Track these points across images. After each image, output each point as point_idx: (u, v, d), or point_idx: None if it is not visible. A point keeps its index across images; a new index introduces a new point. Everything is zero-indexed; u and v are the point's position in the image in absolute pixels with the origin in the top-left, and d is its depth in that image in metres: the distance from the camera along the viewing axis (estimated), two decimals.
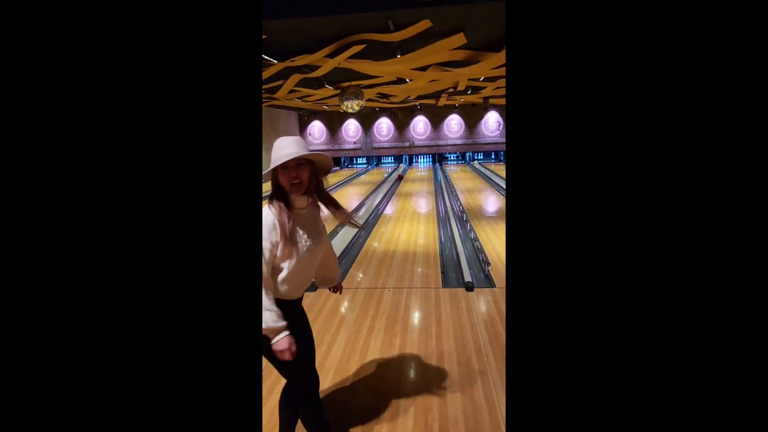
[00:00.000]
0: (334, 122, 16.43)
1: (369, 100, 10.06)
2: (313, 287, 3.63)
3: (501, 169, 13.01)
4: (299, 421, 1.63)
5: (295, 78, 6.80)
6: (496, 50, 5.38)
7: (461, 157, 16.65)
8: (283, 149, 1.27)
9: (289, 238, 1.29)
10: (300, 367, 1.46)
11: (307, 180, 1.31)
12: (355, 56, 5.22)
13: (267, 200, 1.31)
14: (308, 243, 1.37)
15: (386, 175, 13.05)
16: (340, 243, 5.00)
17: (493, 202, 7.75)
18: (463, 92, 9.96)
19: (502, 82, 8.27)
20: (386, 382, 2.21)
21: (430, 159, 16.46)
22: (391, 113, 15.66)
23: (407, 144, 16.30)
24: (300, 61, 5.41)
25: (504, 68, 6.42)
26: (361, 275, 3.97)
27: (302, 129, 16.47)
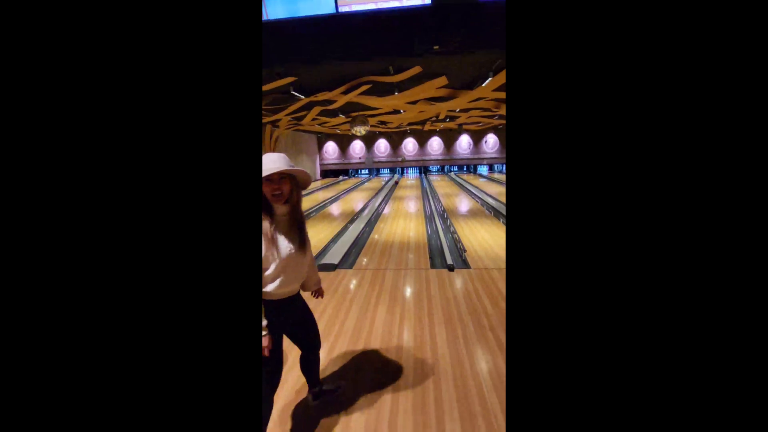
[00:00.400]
0: (344, 143, 16.36)
1: (372, 125, 10.05)
2: (332, 267, 3.66)
3: (472, 178, 13.02)
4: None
5: (317, 109, 6.79)
6: (469, 89, 5.40)
7: (441, 170, 16.61)
8: (267, 163, 1.15)
9: (271, 241, 1.17)
10: (268, 364, 1.28)
11: (288, 192, 1.19)
12: (363, 93, 5.22)
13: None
14: (289, 246, 1.22)
15: (384, 183, 13.00)
16: (350, 236, 5.00)
17: (465, 204, 7.72)
18: (443, 120, 9.98)
19: (474, 112, 8.29)
20: (391, 342, 2.23)
21: (418, 170, 16.43)
22: (388, 136, 15.67)
23: (400, 159, 16.27)
24: (321, 96, 5.41)
25: (475, 102, 6.44)
26: (366, 260, 3.96)
27: (320, 147, 16.38)
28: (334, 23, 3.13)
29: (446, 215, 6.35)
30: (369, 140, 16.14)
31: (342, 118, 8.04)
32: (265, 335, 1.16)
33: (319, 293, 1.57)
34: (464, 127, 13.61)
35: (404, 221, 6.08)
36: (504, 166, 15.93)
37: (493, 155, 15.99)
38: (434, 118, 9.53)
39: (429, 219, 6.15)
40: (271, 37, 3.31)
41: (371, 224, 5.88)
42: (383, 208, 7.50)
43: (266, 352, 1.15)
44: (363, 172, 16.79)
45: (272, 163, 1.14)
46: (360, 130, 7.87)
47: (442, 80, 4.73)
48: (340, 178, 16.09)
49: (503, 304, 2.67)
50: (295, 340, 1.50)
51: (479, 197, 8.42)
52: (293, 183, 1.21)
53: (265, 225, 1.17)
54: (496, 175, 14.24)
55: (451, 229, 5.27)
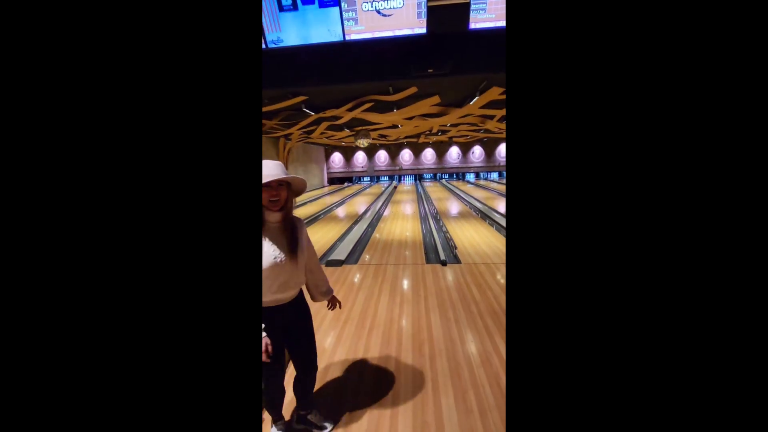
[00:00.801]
0: (348, 153, 16.40)
1: (373, 138, 10.09)
2: (339, 263, 3.69)
3: (461, 185, 13.04)
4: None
5: (325, 124, 6.83)
6: (459, 106, 5.45)
7: (434, 177, 16.65)
8: (266, 171, 1.04)
9: (269, 250, 1.06)
10: (267, 374, 1.18)
11: (284, 199, 1.08)
12: (366, 110, 5.27)
13: None
14: (277, 253, 1.07)
15: (384, 189, 13.03)
16: (354, 236, 5.02)
17: (455, 207, 7.75)
18: (435, 134, 10.03)
19: (463, 126, 8.34)
20: (392, 325, 2.26)
21: (413, 178, 16.47)
22: (387, 147, 15.75)
23: (397, 167, 16.32)
24: (329, 113, 5.45)
25: (464, 118, 6.49)
26: (368, 257, 3.99)
27: (327, 157, 16.42)
28: (341, 49, 3.18)
29: (439, 217, 6.38)
30: (370, 151, 16.20)
31: (347, 132, 8.08)
32: (263, 336, 1.03)
33: (333, 303, 1.36)
34: (454, 139, 13.67)
35: (402, 222, 6.11)
36: (489, 174, 15.99)
37: (479, 164, 16.05)
38: (428, 132, 9.57)
39: (424, 220, 6.18)
40: (286, 61, 3.37)
41: (373, 225, 5.90)
42: (383, 211, 7.52)
43: (265, 357, 1.02)
44: (365, 179, 16.83)
45: (271, 170, 1.04)
46: (363, 142, 7.91)
47: (435, 99, 4.79)
48: (345, 184, 16.10)
49: (490, 294, 2.71)
50: (291, 355, 1.30)
51: (467, 201, 8.45)
52: (289, 190, 1.10)
53: (267, 227, 1.07)
54: (481, 182, 14.27)
55: (443, 228, 5.29)
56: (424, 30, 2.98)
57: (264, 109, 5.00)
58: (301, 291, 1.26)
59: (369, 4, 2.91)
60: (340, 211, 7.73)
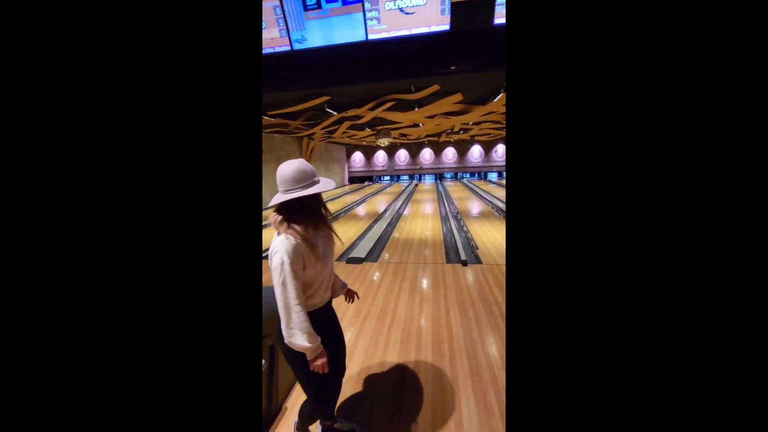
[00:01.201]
0: (369, 152, 16.51)
1: (394, 138, 10.10)
2: (359, 261, 3.73)
3: (482, 184, 12.77)
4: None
5: (347, 124, 6.92)
6: (482, 104, 5.34)
7: (454, 176, 16.43)
8: (313, 175, 0.94)
9: (319, 256, 0.96)
10: (325, 378, 1.08)
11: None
12: (387, 109, 5.29)
13: (281, 226, 0.93)
14: (328, 254, 1.03)
15: (404, 188, 13.01)
16: (374, 234, 5.05)
17: (477, 206, 7.60)
18: (457, 132, 9.88)
19: (486, 124, 8.17)
20: (412, 323, 2.26)
21: (434, 177, 16.33)
22: (407, 146, 15.72)
23: (417, 167, 16.24)
24: (351, 113, 5.52)
25: (487, 115, 6.35)
26: (388, 255, 4.00)
27: (348, 157, 16.62)
28: (364, 49, 3.21)
29: (460, 216, 6.28)
30: (391, 150, 16.22)
31: (368, 131, 8.14)
32: (321, 350, 0.97)
33: (350, 296, 1.31)
34: (476, 138, 13.42)
35: (422, 221, 6.07)
36: None
37: (502, 163, 15.63)
38: (449, 131, 9.45)
39: (444, 219, 6.10)
40: (310, 62, 3.44)
41: (393, 224, 5.90)
42: (403, 210, 7.51)
43: (325, 368, 0.97)
44: (385, 178, 16.87)
45: (319, 177, 0.97)
46: (384, 141, 7.94)
47: (458, 96, 4.72)
48: (366, 183, 16.22)
49: None
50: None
51: (489, 201, 8.26)
52: None
53: (314, 240, 0.96)
54: (504, 182, 13.91)
55: (465, 228, 5.21)
56: (447, 27, 2.95)
57: (289, 109, 5.13)
58: None
59: (392, 2, 2.91)
60: (361, 210, 7.80)
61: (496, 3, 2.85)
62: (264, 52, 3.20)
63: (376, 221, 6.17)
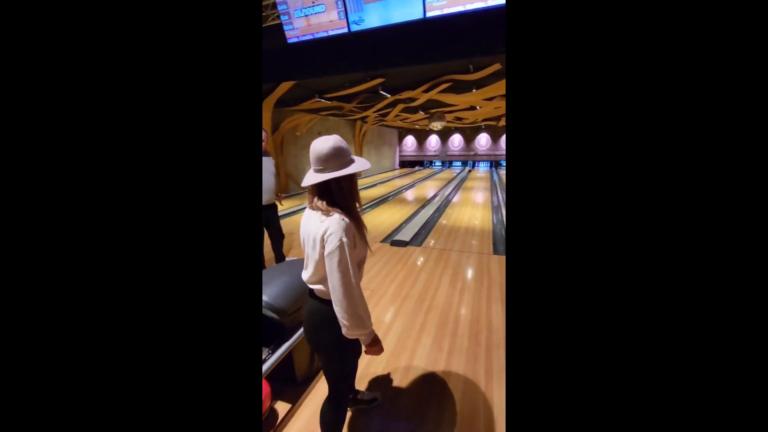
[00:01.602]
0: (421, 136, 16.22)
1: (448, 121, 9.75)
2: (403, 244, 3.78)
3: None
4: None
5: (400, 106, 6.86)
6: None
7: None
8: (350, 152, 0.89)
9: (364, 235, 0.92)
10: (356, 359, 1.06)
11: None
12: (442, 91, 5.11)
13: (331, 208, 0.86)
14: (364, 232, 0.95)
15: (455, 174, 12.61)
16: (420, 219, 5.04)
17: None
18: None
19: None
20: (450, 309, 2.26)
21: (489, 164, 15.47)
22: (462, 131, 15.04)
23: (472, 153, 15.51)
24: (405, 95, 5.45)
25: None
26: (433, 241, 3.97)
27: (400, 140, 16.55)
28: (421, 27, 3.11)
29: None
30: (444, 135, 15.71)
31: (421, 114, 7.97)
32: (374, 334, 0.92)
33: None
34: None
35: (471, 209, 5.88)
36: None
37: None
38: None
39: (496, 209, 5.83)
40: (365, 43, 3.45)
41: (441, 210, 5.82)
42: (453, 197, 7.33)
43: (382, 348, 0.94)
44: (436, 163, 16.49)
45: (357, 156, 0.94)
46: (437, 125, 7.74)
47: None
48: (416, 168, 16.07)
49: None
50: None
51: None
52: None
53: (362, 221, 0.92)
54: None
55: None
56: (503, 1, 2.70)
57: (343, 92, 5.26)
58: None
59: None
60: (409, 194, 7.80)
61: None
62: (320, 35, 3.29)
63: (423, 206, 6.14)
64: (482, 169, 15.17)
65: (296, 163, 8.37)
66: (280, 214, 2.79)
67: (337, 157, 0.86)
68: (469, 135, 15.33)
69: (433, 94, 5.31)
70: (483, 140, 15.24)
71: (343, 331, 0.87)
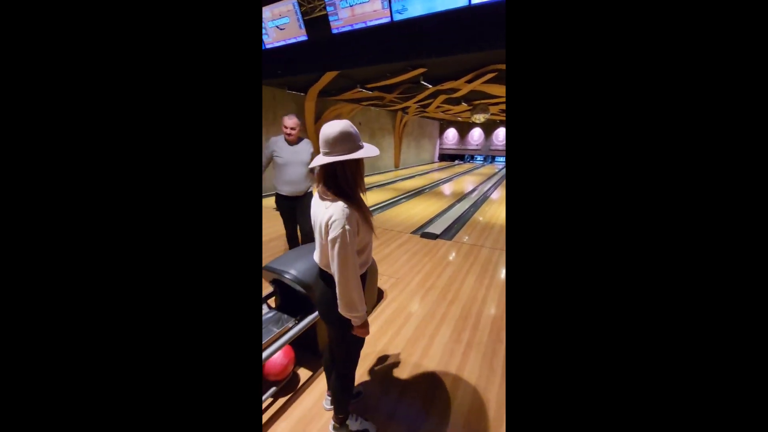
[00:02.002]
0: (464, 129, 15.72)
1: (492, 114, 9.34)
2: (433, 236, 3.78)
3: None
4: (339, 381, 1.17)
5: (442, 97, 6.73)
6: None
7: None
8: (360, 138, 0.88)
9: (368, 220, 0.93)
10: (359, 346, 1.14)
11: None
12: (487, 82, 4.92)
13: (335, 195, 0.89)
14: (369, 216, 0.96)
15: (497, 170, 12.09)
16: (454, 213, 4.97)
17: None
18: None
19: None
20: (474, 304, 2.25)
21: None
22: None
23: None
24: (447, 85, 5.33)
25: None
26: (467, 237, 3.92)
27: (441, 133, 16.20)
28: (465, 15, 3.03)
29: None
30: (488, 128, 15.06)
31: (464, 106, 7.73)
32: (366, 318, 0.98)
33: None
34: None
35: None
36: None
37: None
38: None
39: None
40: (408, 32, 3.44)
41: (477, 206, 5.68)
42: (491, 193, 7.09)
43: (368, 332, 1.02)
44: (478, 157, 15.91)
45: (365, 142, 0.93)
46: (480, 117, 7.46)
47: None
48: (456, 162, 15.67)
49: None
50: None
51: None
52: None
53: (366, 207, 0.93)
54: None
55: None
56: None
57: (384, 82, 5.29)
58: None
59: None
60: (446, 188, 7.69)
61: None
62: (360, 26, 3.35)
63: (459, 200, 6.03)
64: None
65: None
66: None
67: (345, 141, 0.86)
68: None
69: (476, 85, 5.13)
70: None
71: (339, 308, 0.94)
